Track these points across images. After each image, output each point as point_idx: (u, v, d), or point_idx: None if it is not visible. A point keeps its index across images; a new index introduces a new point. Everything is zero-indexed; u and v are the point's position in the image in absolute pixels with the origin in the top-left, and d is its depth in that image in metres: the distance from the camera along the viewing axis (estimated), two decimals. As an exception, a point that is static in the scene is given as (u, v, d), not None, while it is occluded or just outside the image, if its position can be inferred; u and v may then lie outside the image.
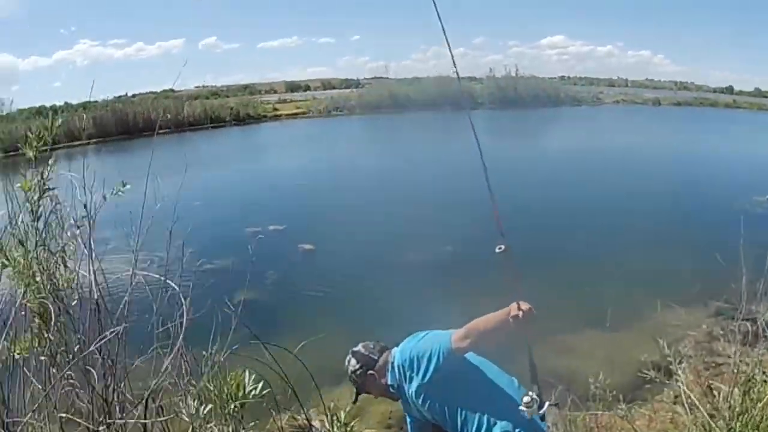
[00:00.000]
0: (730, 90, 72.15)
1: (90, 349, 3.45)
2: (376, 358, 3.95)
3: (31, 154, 3.65)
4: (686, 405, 5.11)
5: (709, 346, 7.41)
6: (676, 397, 5.75)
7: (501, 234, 3.14)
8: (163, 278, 3.84)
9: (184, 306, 3.74)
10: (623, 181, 19.00)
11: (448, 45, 3.16)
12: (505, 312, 3.25)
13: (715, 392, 5.63)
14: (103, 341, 3.46)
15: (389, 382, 3.87)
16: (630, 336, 8.00)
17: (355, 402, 4.04)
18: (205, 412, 3.05)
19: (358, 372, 3.93)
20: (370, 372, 3.92)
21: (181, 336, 3.62)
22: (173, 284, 3.80)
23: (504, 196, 3.19)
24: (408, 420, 4.12)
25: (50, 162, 3.70)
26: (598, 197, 17.60)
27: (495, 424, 3.62)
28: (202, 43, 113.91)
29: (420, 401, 3.75)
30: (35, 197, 3.62)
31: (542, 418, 3.50)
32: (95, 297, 3.71)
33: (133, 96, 58.81)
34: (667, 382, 5.64)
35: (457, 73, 3.85)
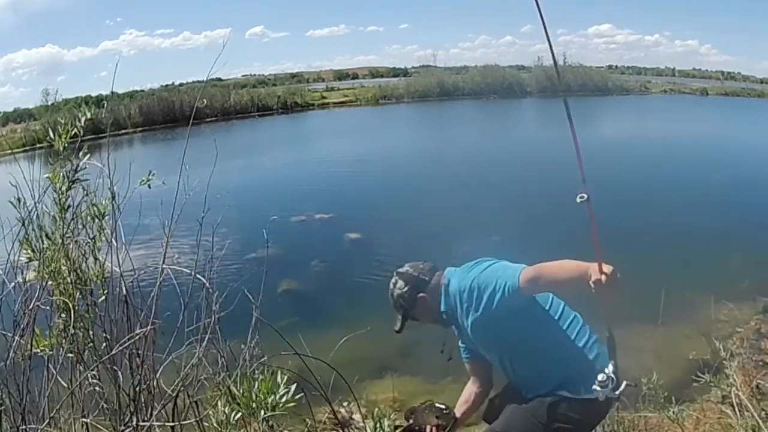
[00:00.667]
0: (737, 76, 71.20)
1: (117, 350, 3.32)
2: (427, 279, 3.70)
3: (59, 145, 3.51)
4: (735, 406, 4.92)
5: (757, 344, 7.19)
6: (724, 397, 5.57)
7: (583, 181, 2.82)
8: (192, 272, 3.70)
9: (213, 298, 3.62)
10: (678, 172, 18.69)
11: (545, 28, 2.80)
12: (584, 267, 2.93)
13: (764, 392, 5.49)
14: (131, 341, 3.35)
15: (442, 309, 3.66)
16: (680, 331, 7.81)
17: (400, 330, 3.76)
18: (235, 419, 2.90)
19: (407, 294, 3.67)
20: (421, 294, 3.67)
21: (209, 329, 3.50)
22: (202, 278, 3.66)
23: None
24: (461, 346, 3.92)
25: (81, 153, 3.56)
26: (653, 188, 17.19)
27: (549, 374, 3.49)
28: (249, 32, 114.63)
29: (474, 334, 3.59)
30: (63, 188, 3.50)
31: (617, 398, 3.27)
32: (123, 292, 3.59)
33: (180, 85, 59.38)
34: (714, 381, 5.46)
35: (554, 61, 3.88)
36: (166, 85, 58.08)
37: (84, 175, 3.53)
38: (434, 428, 3.86)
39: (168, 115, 41.43)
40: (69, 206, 3.50)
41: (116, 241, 3.65)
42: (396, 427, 3.88)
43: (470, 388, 4.04)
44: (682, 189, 16.36)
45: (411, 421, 3.97)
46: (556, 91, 52.62)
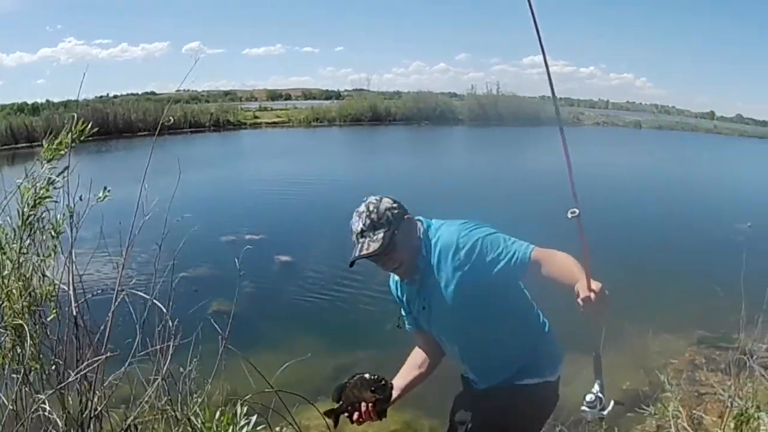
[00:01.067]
0: (711, 115, 73.23)
1: (68, 380, 3.27)
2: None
3: None
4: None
5: (692, 375, 7.32)
6: (659, 427, 5.68)
7: (573, 195, 2.79)
8: (150, 298, 3.67)
9: (169, 325, 3.61)
10: (611, 204, 18.99)
11: (544, 56, 2.69)
12: (575, 277, 2.81)
13: (699, 423, 5.59)
14: (81, 371, 3.29)
15: (423, 252, 3.29)
16: (617, 362, 7.87)
17: (380, 249, 3.17)
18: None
19: (396, 210, 3.25)
20: (408, 216, 3.30)
21: (167, 363, 3.49)
22: (160, 304, 3.64)
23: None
24: (404, 316, 3.67)
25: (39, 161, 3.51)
26: (590, 221, 17.51)
27: (514, 359, 3.43)
28: (186, 47, 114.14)
29: (453, 296, 3.22)
30: (29, 204, 3.45)
31: (602, 418, 3.18)
32: (74, 312, 3.52)
33: (115, 97, 58.86)
34: (657, 411, 5.54)
35: (552, 90, 2.99)
36: (101, 96, 57.44)
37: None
38: (371, 405, 3.34)
39: (101, 126, 40.54)
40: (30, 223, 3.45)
41: (70, 261, 3.60)
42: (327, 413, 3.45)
43: (417, 355, 3.71)
44: (616, 220, 16.62)
45: (341, 402, 3.40)
46: (488, 120, 53.46)
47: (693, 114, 73.05)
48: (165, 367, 3.47)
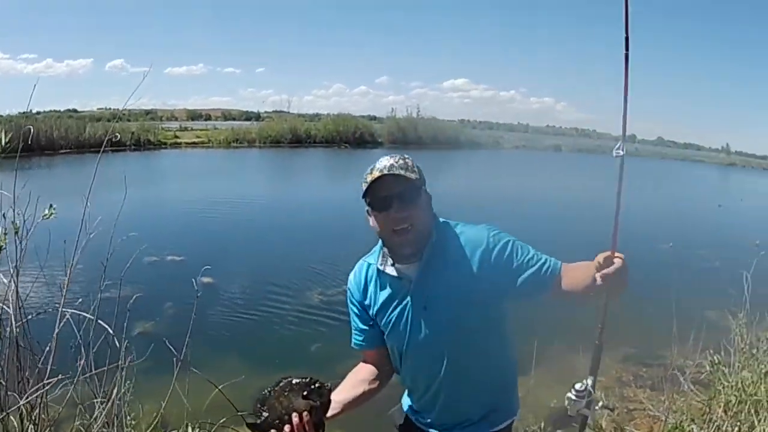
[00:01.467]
0: (632, 138, 74.89)
1: (12, 407, 3.19)
2: None
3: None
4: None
5: (620, 392, 7.44)
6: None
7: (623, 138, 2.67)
8: (95, 318, 3.62)
9: (121, 353, 3.57)
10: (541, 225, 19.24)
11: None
12: (591, 265, 2.51)
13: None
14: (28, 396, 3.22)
15: (434, 237, 2.82)
16: (547, 381, 7.95)
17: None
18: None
19: (420, 177, 2.80)
20: (425, 189, 2.86)
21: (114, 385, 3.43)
22: (108, 327, 3.59)
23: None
24: (359, 328, 3.12)
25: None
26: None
27: (487, 396, 2.99)
28: (109, 64, 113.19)
29: (453, 296, 2.78)
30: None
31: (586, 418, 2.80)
32: (15, 333, 3.45)
33: (38, 113, 57.99)
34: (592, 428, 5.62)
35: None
36: (23, 112, 56.52)
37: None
38: (305, 415, 2.64)
39: (24, 143, 39.57)
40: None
41: (13, 280, 3.53)
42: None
43: (363, 369, 3.14)
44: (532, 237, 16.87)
45: (266, 415, 2.67)
46: (408, 142, 53.84)
47: (613, 137, 74.81)
48: (116, 389, 3.41)
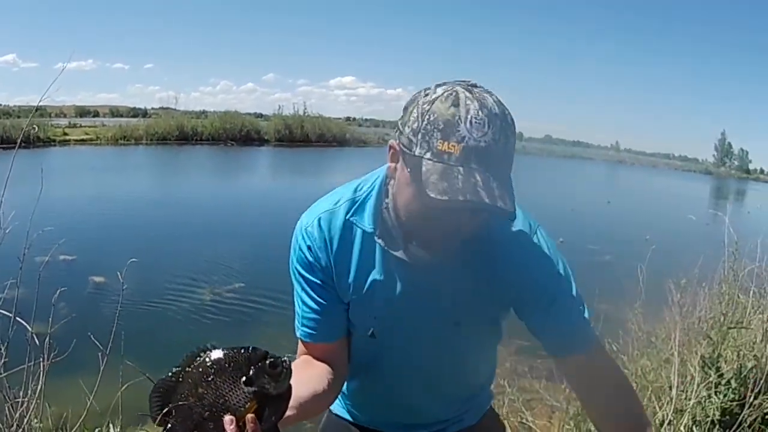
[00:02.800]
0: (519, 136, 77.21)
1: None
2: None
3: None
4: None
5: (516, 383, 7.57)
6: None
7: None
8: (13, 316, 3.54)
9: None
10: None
11: None
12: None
13: (529, 428, 5.78)
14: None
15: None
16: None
17: None
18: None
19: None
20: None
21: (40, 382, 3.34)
22: (27, 325, 3.51)
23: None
24: (311, 316, 2.12)
25: None
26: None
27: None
28: (1, 59, 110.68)
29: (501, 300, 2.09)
30: None
31: None
32: None
33: None
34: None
35: None
36: None
37: None
38: (249, 419, 1.53)
39: None
40: None
41: None
42: None
43: (314, 365, 2.14)
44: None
45: (171, 426, 1.57)
46: (294, 140, 54.02)
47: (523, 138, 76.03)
48: (39, 387, 3.33)
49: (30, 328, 3.53)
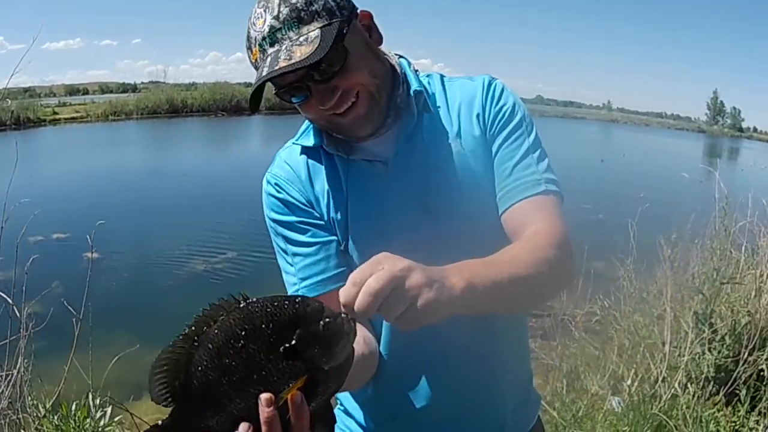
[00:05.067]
0: None
1: None
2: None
3: None
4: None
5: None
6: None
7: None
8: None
9: (22, 321, 3.43)
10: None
11: None
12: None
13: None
14: None
15: (415, 86, 1.82)
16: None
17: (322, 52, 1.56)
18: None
19: (332, 6, 1.65)
20: (362, 17, 1.77)
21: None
22: (7, 297, 3.47)
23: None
24: (322, 263, 1.83)
25: None
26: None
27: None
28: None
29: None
30: None
31: None
32: None
33: None
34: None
35: None
36: None
37: None
38: (295, 397, 1.11)
39: None
40: None
41: None
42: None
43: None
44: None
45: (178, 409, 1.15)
46: (285, 109, 54.11)
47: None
48: (21, 361, 3.30)
49: (11, 301, 3.47)
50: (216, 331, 1.13)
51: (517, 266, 1.51)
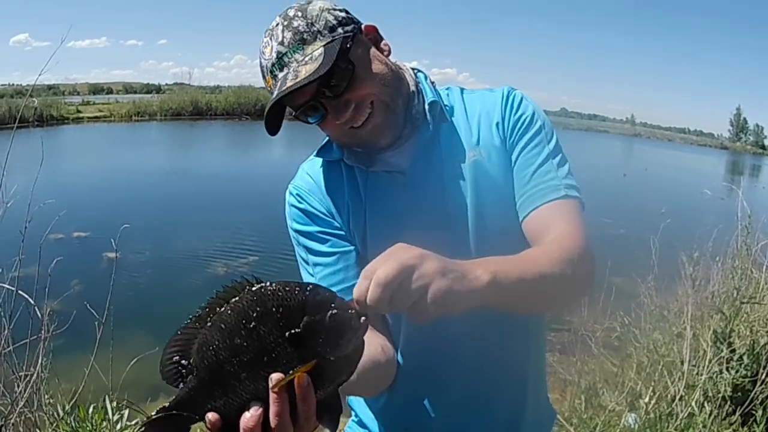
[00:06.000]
0: None
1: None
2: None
3: None
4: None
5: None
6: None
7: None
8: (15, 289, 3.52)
9: (44, 323, 3.44)
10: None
11: None
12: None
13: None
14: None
15: (430, 97, 1.85)
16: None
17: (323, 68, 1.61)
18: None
19: (341, 16, 1.75)
20: (367, 30, 1.82)
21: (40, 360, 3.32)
22: (29, 297, 3.48)
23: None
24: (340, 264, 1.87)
25: None
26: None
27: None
28: (13, 39, 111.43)
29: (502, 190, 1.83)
30: None
31: None
32: None
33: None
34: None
35: None
36: None
37: None
38: (302, 381, 1.11)
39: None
40: None
41: None
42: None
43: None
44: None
45: (192, 385, 1.16)
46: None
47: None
48: (41, 361, 3.30)
49: (32, 302, 3.48)
50: (228, 311, 1.16)
51: (541, 266, 1.53)
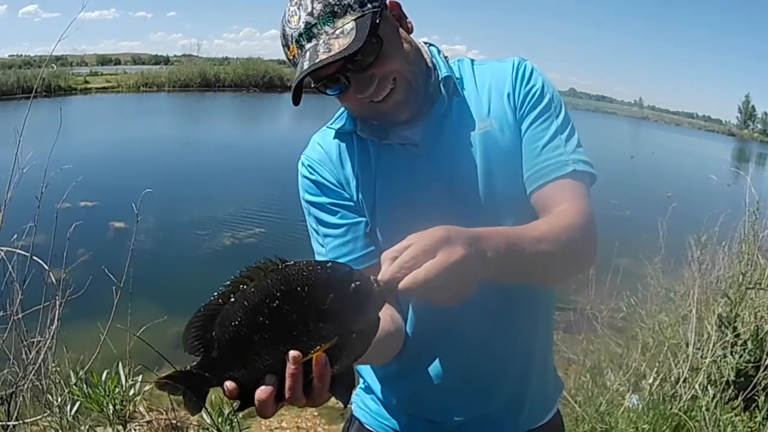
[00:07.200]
0: None
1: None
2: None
3: None
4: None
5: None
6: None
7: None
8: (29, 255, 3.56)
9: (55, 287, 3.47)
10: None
11: None
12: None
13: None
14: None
15: (444, 72, 1.89)
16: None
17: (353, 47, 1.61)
18: (73, 412, 2.75)
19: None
20: (393, 5, 1.84)
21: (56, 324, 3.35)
22: (44, 264, 3.51)
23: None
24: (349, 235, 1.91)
25: None
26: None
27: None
28: (23, 10, 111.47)
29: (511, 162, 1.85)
30: None
31: None
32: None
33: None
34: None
35: None
36: None
37: None
38: (319, 358, 1.17)
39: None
40: None
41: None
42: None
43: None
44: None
45: (215, 355, 1.22)
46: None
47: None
48: (54, 328, 3.33)
49: (47, 267, 3.51)
50: (253, 289, 1.20)
51: (546, 239, 1.57)
